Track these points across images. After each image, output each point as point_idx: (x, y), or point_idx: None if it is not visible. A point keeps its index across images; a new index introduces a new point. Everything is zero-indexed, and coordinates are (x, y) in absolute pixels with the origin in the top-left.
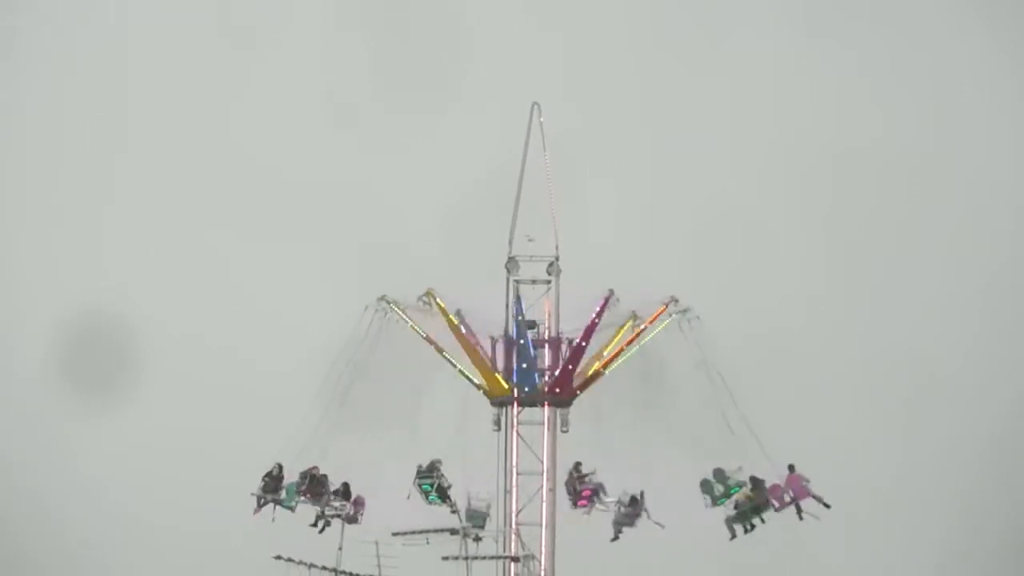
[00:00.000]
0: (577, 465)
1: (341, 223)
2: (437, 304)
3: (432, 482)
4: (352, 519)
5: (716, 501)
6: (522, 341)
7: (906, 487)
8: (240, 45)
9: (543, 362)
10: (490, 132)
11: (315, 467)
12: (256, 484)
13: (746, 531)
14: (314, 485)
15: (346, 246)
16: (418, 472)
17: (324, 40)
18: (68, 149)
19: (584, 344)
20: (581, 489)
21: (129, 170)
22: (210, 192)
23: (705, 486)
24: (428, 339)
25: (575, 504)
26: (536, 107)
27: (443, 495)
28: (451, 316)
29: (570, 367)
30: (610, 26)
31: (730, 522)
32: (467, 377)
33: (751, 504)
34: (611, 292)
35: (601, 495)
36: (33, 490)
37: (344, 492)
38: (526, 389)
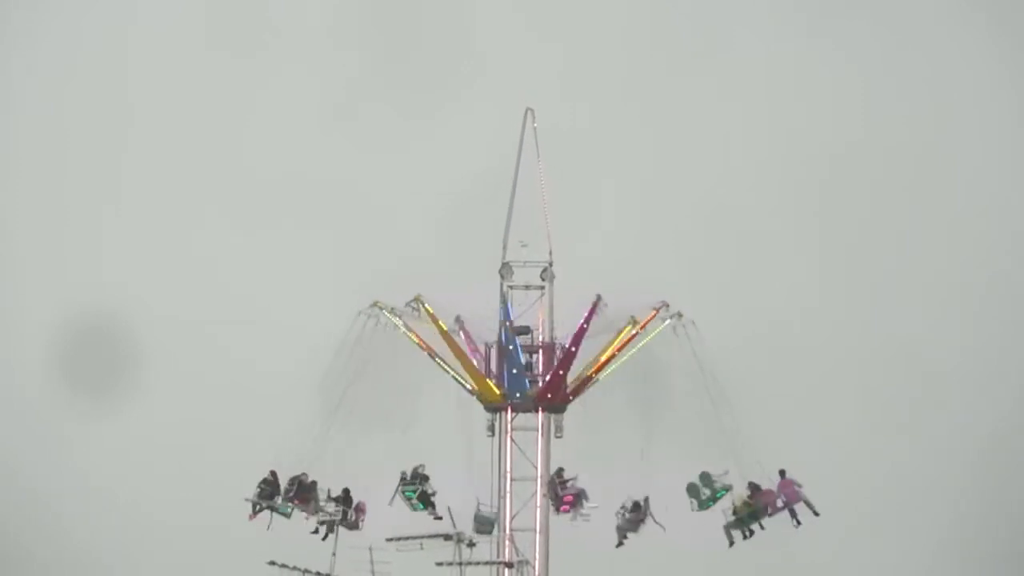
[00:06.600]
0: (559, 471)
1: (337, 226)
2: (425, 309)
3: (415, 489)
4: (353, 525)
5: (702, 505)
6: (511, 347)
7: (903, 490)
8: (238, 48)
9: (538, 368)
10: (484, 137)
11: (304, 474)
12: (252, 489)
13: (745, 537)
14: (302, 491)
15: (343, 249)
16: (402, 479)
17: (320, 43)
18: (67, 149)
19: (574, 349)
20: (563, 494)
21: (129, 172)
22: (208, 193)
23: (691, 490)
24: (421, 345)
25: (558, 509)
26: (530, 113)
27: (426, 502)
28: (441, 322)
29: (560, 372)
30: (604, 31)
31: (728, 528)
32: (460, 383)
33: (749, 510)
34: (599, 297)
35: (584, 500)
36: (29, 488)
37: (345, 498)
38: (517, 395)
